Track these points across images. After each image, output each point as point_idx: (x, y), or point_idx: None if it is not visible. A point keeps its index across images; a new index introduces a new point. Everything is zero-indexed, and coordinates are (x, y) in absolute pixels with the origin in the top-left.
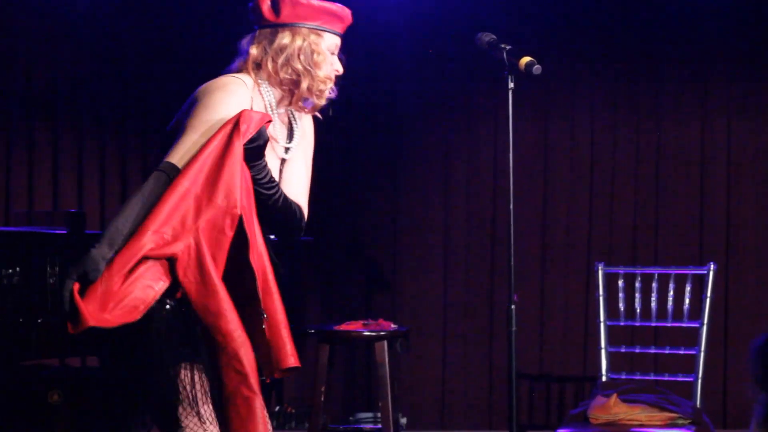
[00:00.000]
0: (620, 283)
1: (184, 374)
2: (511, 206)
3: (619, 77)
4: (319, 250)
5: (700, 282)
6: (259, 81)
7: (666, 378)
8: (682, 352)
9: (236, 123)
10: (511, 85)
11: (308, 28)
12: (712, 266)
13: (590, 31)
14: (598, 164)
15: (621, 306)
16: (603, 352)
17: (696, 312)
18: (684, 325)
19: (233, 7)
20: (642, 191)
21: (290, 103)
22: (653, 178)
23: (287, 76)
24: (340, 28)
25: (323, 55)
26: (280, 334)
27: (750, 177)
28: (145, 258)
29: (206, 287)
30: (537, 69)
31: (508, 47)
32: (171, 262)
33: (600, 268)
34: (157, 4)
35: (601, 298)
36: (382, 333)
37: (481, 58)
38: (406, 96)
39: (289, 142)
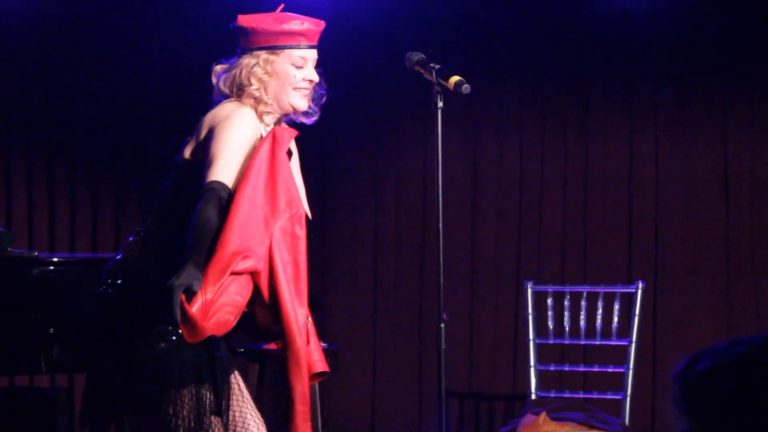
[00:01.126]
0: (549, 301)
1: (188, 396)
2: (440, 225)
3: (547, 95)
4: None
5: (628, 300)
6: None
7: (595, 396)
8: (610, 370)
9: (273, 138)
10: (440, 104)
11: (264, 49)
12: (640, 284)
13: (519, 50)
14: (526, 182)
15: (550, 324)
16: (532, 370)
17: (624, 330)
18: (613, 343)
19: (173, 26)
20: (570, 209)
21: (274, 119)
22: (582, 196)
23: (245, 95)
24: (304, 40)
25: (267, 71)
26: (312, 339)
27: (678, 195)
28: (232, 273)
29: (276, 295)
30: (466, 88)
31: (437, 66)
32: (252, 275)
33: (529, 286)
34: (91, 24)
35: (530, 317)
36: None
37: (411, 77)
38: (336, 115)
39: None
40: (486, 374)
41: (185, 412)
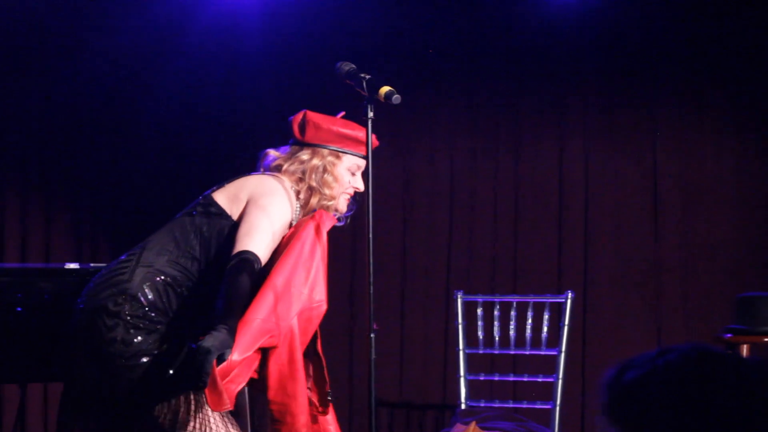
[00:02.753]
0: (479, 311)
1: (183, 400)
2: (371, 235)
3: (478, 106)
4: None
5: (558, 310)
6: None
7: (524, 405)
8: (540, 379)
9: (319, 220)
10: (371, 114)
11: (329, 150)
12: (569, 294)
13: (450, 61)
14: (457, 192)
15: (480, 334)
16: (462, 379)
17: (554, 340)
18: (542, 352)
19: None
20: (500, 219)
21: (304, 212)
22: (512, 206)
23: (300, 189)
24: (363, 150)
25: (334, 176)
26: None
27: (607, 204)
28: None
29: (291, 371)
30: (396, 98)
31: (367, 76)
32: (266, 350)
33: (459, 296)
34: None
35: (460, 327)
36: None
37: (341, 87)
38: (266, 126)
39: None
40: (416, 384)
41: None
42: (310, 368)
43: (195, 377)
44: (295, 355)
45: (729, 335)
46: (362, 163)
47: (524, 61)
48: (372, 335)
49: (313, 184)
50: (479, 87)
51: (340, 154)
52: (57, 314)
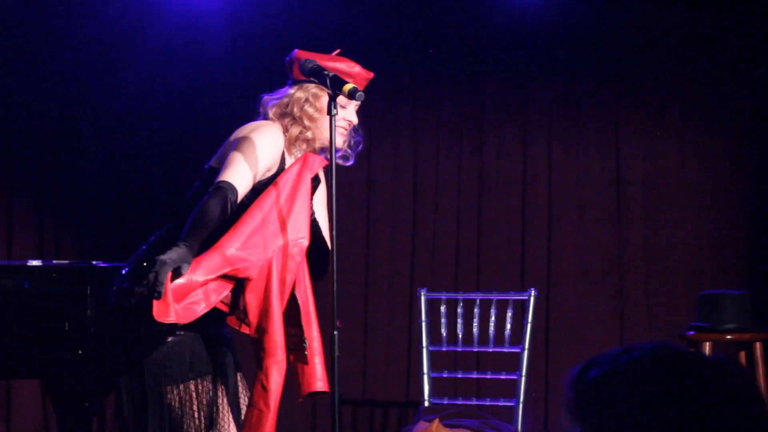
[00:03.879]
0: (443, 308)
1: (195, 388)
2: (334, 232)
3: (441, 103)
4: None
5: (521, 307)
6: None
7: (488, 402)
8: (503, 377)
9: (303, 161)
10: (335, 111)
11: (314, 83)
12: (533, 292)
13: (414, 57)
14: (420, 190)
15: (443, 331)
16: (425, 377)
17: (517, 337)
18: (505, 350)
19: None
20: (464, 217)
21: (292, 147)
22: (475, 204)
23: (286, 124)
24: (352, 82)
25: (317, 108)
26: (314, 360)
27: (570, 202)
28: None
29: (265, 306)
30: (360, 95)
31: (331, 74)
32: (241, 281)
33: (422, 293)
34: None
35: (423, 324)
36: None
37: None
38: (231, 123)
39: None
40: (379, 381)
41: (195, 406)
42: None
43: (149, 287)
44: (271, 289)
45: (692, 333)
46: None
47: (488, 58)
48: (335, 332)
49: (296, 115)
50: (442, 84)
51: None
52: (19, 311)
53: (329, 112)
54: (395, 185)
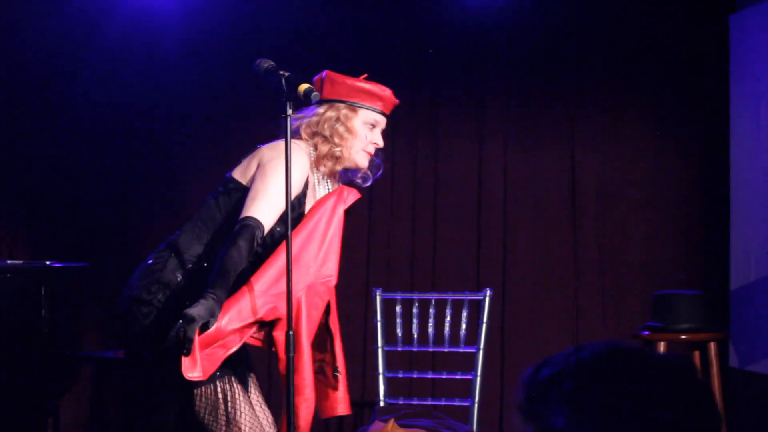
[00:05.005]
0: (398, 308)
1: (221, 387)
2: (289, 232)
3: (396, 104)
4: (96, 275)
5: (476, 307)
6: (309, 148)
7: (443, 403)
8: (459, 377)
9: (338, 196)
10: (290, 111)
11: (344, 103)
12: (488, 292)
13: (369, 57)
14: (375, 190)
15: (399, 331)
16: (381, 377)
17: (473, 337)
18: (461, 350)
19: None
20: (419, 217)
21: (329, 173)
22: (431, 204)
23: (315, 143)
24: (380, 106)
25: (347, 128)
26: (340, 386)
27: (525, 202)
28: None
29: (295, 345)
30: (315, 96)
31: (286, 74)
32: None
33: (378, 293)
34: None
35: (378, 324)
36: None
37: (261, 84)
38: (187, 121)
39: None
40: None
41: (209, 407)
42: (326, 343)
43: (179, 344)
44: (300, 328)
45: (646, 332)
46: (380, 118)
47: (444, 60)
48: (290, 332)
49: (326, 134)
50: (397, 85)
51: (356, 107)
52: None
53: (286, 110)
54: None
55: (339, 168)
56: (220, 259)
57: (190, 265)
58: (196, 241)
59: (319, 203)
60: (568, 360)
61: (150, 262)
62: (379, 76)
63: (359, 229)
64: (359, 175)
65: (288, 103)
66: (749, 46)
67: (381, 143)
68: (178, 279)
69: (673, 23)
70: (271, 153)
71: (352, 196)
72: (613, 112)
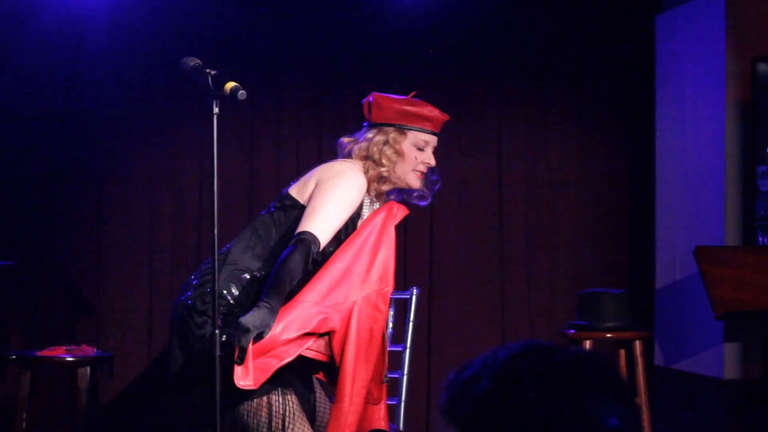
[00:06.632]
0: None
1: (274, 400)
2: (215, 231)
3: (325, 102)
4: (21, 273)
5: (403, 306)
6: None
7: None
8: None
9: (388, 212)
10: (216, 109)
11: (393, 127)
12: (414, 291)
13: (297, 56)
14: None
15: None
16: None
17: (399, 336)
18: (388, 349)
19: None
20: None
21: (378, 192)
22: None
23: (367, 167)
24: (430, 126)
25: (397, 151)
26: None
27: (452, 201)
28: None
29: (342, 355)
30: (242, 94)
31: (213, 72)
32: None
33: None
34: None
35: None
36: (85, 359)
37: (188, 82)
38: (111, 118)
39: None
40: None
41: (263, 419)
42: (380, 353)
43: (233, 354)
44: (348, 339)
45: (572, 331)
46: (429, 138)
47: (372, 58)
48: (216, 331)
49: (376, 157)
50: (326, 83)
51: (405, 130)
52: None
53: (212, 109)
54: (278, 182)
55: (386, 189)
56: (276, 270)
57: (244, 275)
58: (250, 252)
59: (369, 219)
60: (486, 360)
61: (202, 271)
62: (305, 79)
63: None
64: (415, 194)
65: (214, 102)
66: (674, 47)
67: (432, 162)
68: (232, 289)
69: (599, 24)
70: (331, 171)
71: (401, 212)
72: (539, 114)
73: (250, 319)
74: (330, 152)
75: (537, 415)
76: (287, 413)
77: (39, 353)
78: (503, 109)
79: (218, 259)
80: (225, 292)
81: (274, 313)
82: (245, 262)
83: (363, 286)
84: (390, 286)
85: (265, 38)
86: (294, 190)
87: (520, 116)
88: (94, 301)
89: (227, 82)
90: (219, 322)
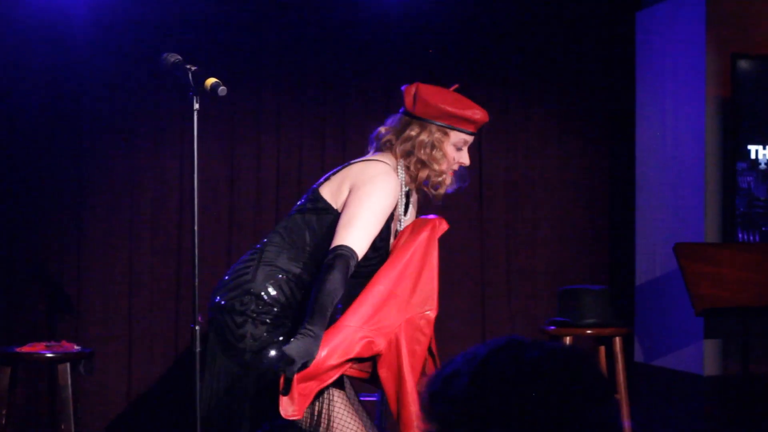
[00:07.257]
0: None
1: (327, 396)
2: (196, 227)
3: (305, 100)
4: (0, 270)
5: None
6: (398, 163)
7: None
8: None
9: (432, 230)
10: (197, 105)
11: (437, 126)
12: None
13: (278, 53)
14: (283, 185)
15: None
16: None
17: None
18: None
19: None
20: None
21: (412, 186)
22: None
23: (409, 164)
24: (472, 127)
25: (443, 152)
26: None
27: (430, 201)
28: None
29: (399, 381)
30: (222, 90)
31: (193, 68)
32: (372, 357)
33: None
34: None
35: None
36: (65, 355)
37: (168, 78)
38: (93, 114)
39: (404, 216)
40: None
41: (315, 412)
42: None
43: (278, 385)
44: (402, 362)
45: (552, 327)
46: (469, 138)
47: (351, 55)
48: (196, 327)
49: (423, 158)
50: (306, 81)
51: (448, 130)
52: None
53: (193, 105)
54: (259, 178)
55: (423, 179)
56: (316, 294)
57: (280, 276)
58: (284, 254)
59: (413, 237)
60: (466, 357)
61: (237, 271)
62: (285, 75)
63: (265, 227)
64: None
65: (195, 98)
66: (654, 43)
67: (467, 162)
68: (270, 291)
69: (579, 21)
70: (364, 175)
71: (442, 228)
72: (520, 110)
73: (294, 348)
74: (310, 149)
75: (516, 411)
76: (333, 408)
77: (19, 349)
78: (483, 107)
79: (253, 259)
80: (263, 293)
81: (318, 340)
82: (281, 263)
83: (407, 308)
84: (434, 310)
85: (247, 35)
86: (326, 191)
87: (501, 114)
88: (74, 298)
89: (208, 78)
90: (200, 319)
